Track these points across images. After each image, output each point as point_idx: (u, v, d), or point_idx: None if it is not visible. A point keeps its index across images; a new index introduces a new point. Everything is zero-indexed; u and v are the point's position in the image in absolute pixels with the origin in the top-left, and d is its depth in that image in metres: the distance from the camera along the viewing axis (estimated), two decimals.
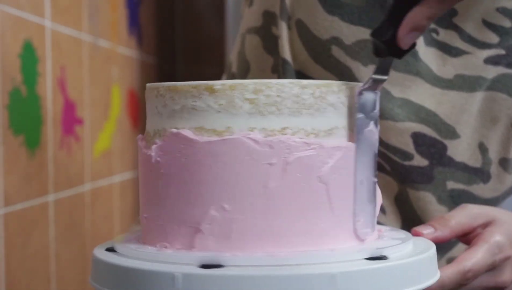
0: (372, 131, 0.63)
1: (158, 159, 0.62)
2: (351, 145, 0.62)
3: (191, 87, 0.62)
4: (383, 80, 0.64)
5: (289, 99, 0.60)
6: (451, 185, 0.87)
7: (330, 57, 0.85)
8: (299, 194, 0.60)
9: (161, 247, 0.62)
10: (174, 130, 0.62)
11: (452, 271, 0.69)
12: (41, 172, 1.06)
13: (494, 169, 0.88)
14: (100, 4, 1.35)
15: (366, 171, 0.63)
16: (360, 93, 0.63)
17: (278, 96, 0.60)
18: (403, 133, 0.85)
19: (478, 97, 0.86)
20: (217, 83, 0.61)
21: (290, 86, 0.60)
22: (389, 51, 0.64)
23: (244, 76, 0.94)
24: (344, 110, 0.62)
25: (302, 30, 0.86)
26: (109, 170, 1.40)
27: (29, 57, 1.02)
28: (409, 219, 0.89)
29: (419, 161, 0.86)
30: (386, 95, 0.85)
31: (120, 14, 1.49)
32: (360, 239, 0.62)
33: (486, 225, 0.75)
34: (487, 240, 0.72)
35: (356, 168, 0.62)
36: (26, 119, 1.01)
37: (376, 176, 0.64)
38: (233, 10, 1.76)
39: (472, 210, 0.76)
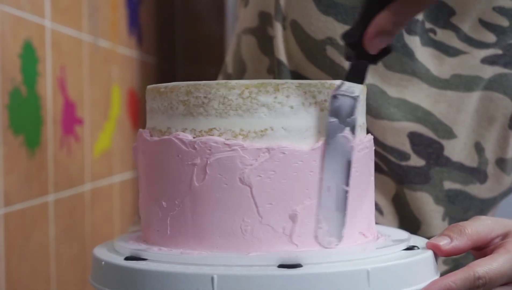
0: (347, 137, 0.62)
1: (135, 159, 0.67)
2: (290, 147, 0.60)
3: (149, 90, 0.66)
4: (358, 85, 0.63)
5: (215, 100, 0.61)
6: (448, 185, 0.87)
7: (325, 57, 0.85)
8: (222, 194, 0.60)
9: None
10: (140, 130, 0.66)
11: (460, 276, 0.63)
12: (41, 172, 1.06)
13: (491, 169, 0.88)
14: (100, 4, 1.35)
15: (335, 177, 0.61)
16: (335, 97, 0.61)
17: (205, 97, 0.61)
18: (399, 133, 0.85)
19: (474, 96, 0.86)
20: (162, 86, 0.64)
21: (216, 87, 0.61)
22: (358, 55, 0.63)
23: (240, 77, 0.93)
24: (283, 111, 0.61)
25: (296, 31, 0.86)
26: (109, 170, 1.40)
27: (29, 57, 1.02)
28: (407, 219, 0.88)
29: (416, 161, 0.86)
30: (382, 95, 0.85)
31: (120, 14, 1.49)
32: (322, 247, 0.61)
33: (505, 236, 0.69)
34: (509, 250, 0.66)
35: (323, 173, 0.61)
36: (26, 119, 1.01)
37: (348, 184, 0.62)
38: (233, 10, 1.76)
39: (487, 221, 0.69)
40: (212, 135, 0.61)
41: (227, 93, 0.61)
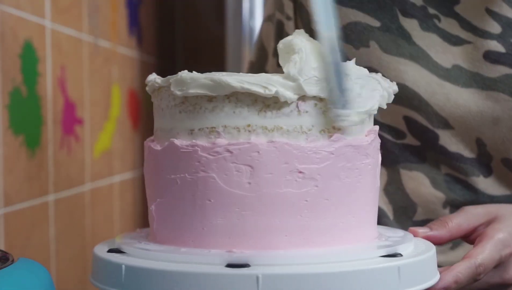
0: None
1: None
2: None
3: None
4: None
5: None
6: (445, 169, 0.87)
7: None
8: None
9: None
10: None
11: (465, 266, 0.68)
12: (41, 172, 1.06)
13: (495, 165, 0.87)
14: (100, 4, 1.35)
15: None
16: None
17: None
18: (395, 113, 0.86)
19: (475, 94, 0.85)
20: None
21: None
22: None
23: (263, 65, 0.95)
24: None
25: (303, 13, 0.89)
26: (109, 170, 1.40)
27: (29, 57, 1.02)
28: (401, 207, 0.88)
29: (411, 140, 0.87)
30: None
31: (120, 14, 1.49)
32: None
33: (488, 223, 0.75)
34: (491, 236, 0.72)
35: None
36: (26, 119, 1.01)
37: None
38: (233, 10, 1.76)
39: (472, 210, 0.76)
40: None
41: None
